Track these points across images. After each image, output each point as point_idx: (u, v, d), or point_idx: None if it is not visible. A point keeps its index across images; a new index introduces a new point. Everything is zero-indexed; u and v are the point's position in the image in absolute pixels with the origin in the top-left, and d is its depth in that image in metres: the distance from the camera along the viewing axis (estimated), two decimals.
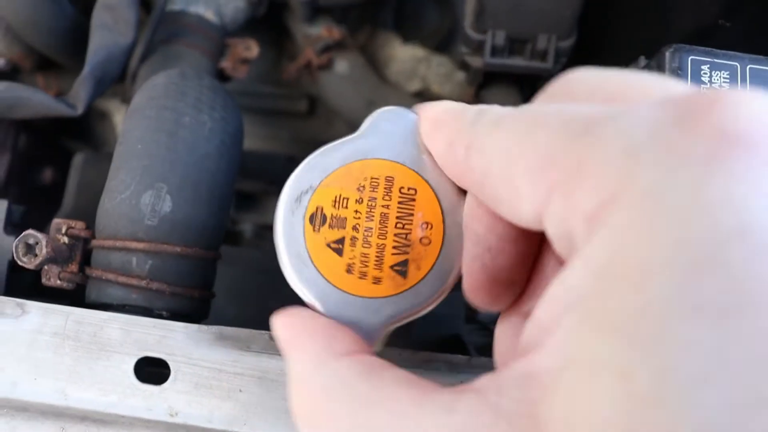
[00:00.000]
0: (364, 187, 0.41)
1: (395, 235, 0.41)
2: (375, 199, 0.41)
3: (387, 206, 0.41)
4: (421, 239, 0.41)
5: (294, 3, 0.98)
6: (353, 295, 0.40)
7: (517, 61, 0.75)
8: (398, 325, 0.42)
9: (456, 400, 0.27)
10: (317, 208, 0.41)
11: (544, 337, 0.27)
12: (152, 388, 0.52)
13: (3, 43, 0.88)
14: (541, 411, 0.25)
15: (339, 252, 0.41)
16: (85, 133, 1.15)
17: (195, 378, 0.52)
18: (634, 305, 0.21)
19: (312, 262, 0.41)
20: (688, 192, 0.22)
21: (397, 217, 0.41)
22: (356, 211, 0.41)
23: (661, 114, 0.24)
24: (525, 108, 0.32)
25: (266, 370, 0.52)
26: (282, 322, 0.38)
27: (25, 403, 0.53)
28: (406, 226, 0.41)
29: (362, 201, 0.41)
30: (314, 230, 0.41)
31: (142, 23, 0.84)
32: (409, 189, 0.41)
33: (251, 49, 0.90)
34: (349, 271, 0.40)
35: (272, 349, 0.53)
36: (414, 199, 0.41)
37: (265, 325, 0.56)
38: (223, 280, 0.87)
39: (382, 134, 0.42)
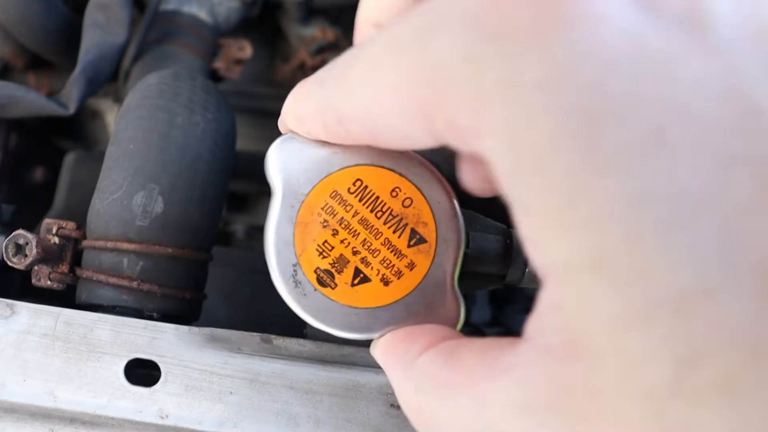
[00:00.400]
0: (328, 217, 0.41)
1: (388, 227, 0.41)
2: (344, 218, 0.41)
3: (357, 212, 0.41)
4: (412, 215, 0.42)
5: (288, 4, 0.98)
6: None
7: None
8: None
9: (515, 356, 0.28)
10: (315, 271, 0.41)
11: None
12: (142, 390, 0.52)
13: None
14: (573, 331, 0.25)
15: (364, 280, 0.41)
16: (77, 132, 1.15)
17: (185, 380, 0.52)
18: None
19: (343, 304, 0.42)
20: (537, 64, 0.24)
21: (376, 211, 0.41)
22: (342, 241, 0.41)
23: None
24: (355, 56, 0.33)
25: (257, 373, 0.52)
26: (378, 347, 0.40)
27: (14, 405, 0.52)
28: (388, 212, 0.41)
29: (340, 227, 0.41)
30: (333, 288, 0.41)
31: (135, 22, 0.84)
32: (356, 181, 0.41)
33: (245, 49, 0.90)
34: (386, 283, 0.41)
35: (263, 351, 0.53)
36: (367, 187, 0.42)
37: (256, 327, 0.56)
38: (215, 281, 0.86)
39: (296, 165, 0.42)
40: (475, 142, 0.26)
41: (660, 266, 0.22)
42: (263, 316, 0.83)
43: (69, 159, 0.90)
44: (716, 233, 0.21)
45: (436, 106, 0.27)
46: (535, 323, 0.27)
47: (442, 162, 0.45)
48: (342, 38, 1.02)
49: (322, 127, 0.37)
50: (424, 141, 0.31)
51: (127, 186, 0.56)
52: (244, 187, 1.12)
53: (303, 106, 0.38)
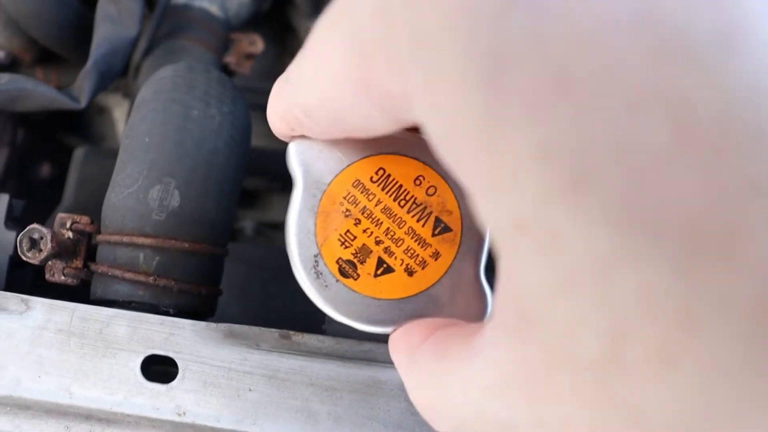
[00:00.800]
0: (350, 206, 0.41)
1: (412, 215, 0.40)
2: (366, 207, 0.40)
3: (380, 201, 0.40)
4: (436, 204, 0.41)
5: None
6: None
7: None
8: None
9: (484, 337, 0.27)
10: (337, 262, 0.40)
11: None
12: (159, 387, 0.51)
13: (3, 35, 0.86)
14: (520, 303, 0.23)
15: (387, 271, 0.40)
16: (84, 127, 1.14)
17: (203, 376, 0.51)
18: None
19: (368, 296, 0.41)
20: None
21: (399, 200, 0.40)
22: (365, 230, 0.40)
23: None
24: (308, 46, 0.32)
25: (276, 369, 0.51)
26: (389, 344, 0.39)
27: (29, 401, 0.51)
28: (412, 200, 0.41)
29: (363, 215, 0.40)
30: (355, 279, 0.40)
31: (146, 16, 0.83)
32: (379, 170, 0.40)
33: (256, 44, 0.89)
34: (410, 273, 0.40)
35: (282, 347, 0.52)
36: (390, 176, 0.41)
37: (268, 323, 0.55)
38: (226, 277, 0.86)
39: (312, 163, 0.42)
40: (409, 109, 0.25)
41: (572, 230, 0.19)
42: (274, 312, 0.82)
43: (78, 154, 0.89)
44: (629, 189, 0.18)
45: (370, 75, 0.26)
46: (497, 299, 0.25)
47: None
48: None
49: (297, 122, 0.36)
50: (383, 122, 0.29)
51: (143, 180, 0.56)
52: (253, 183, 1.12)
53: (278, 105, 0.37)
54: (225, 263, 0.77)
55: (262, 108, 1.17)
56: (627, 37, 0.19)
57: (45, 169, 1.12)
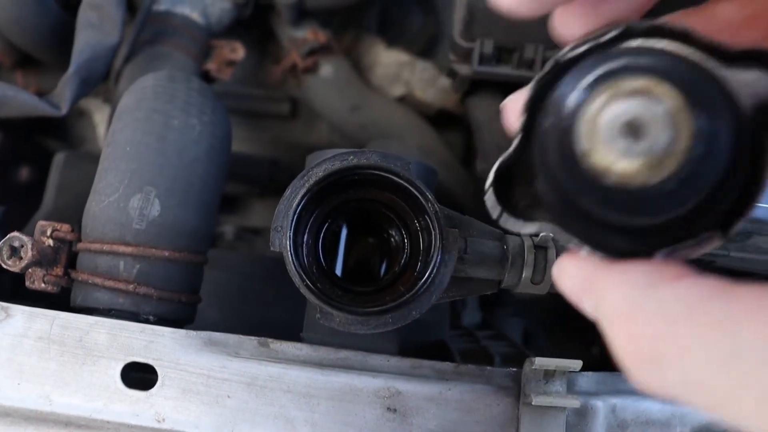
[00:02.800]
0: None
1: None
2: None
3: None
4: None
5: (280, 5, 0.98)
6: None
7: (505, 70, 0.76)
8: None
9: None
10: None
11: None
12: (139, 394, 0.52)
13: None
14: None
15: None
16: (63, 131, 1.14)
17: (182, 383, 0.52)
18: None
19: None
20: None
21: None
22: None
23: None
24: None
25: (255, 377, 0.52)
26: (573, 264, 0.34)
27: (8, 409, 0.52)
28: None
29: None
30: None
31: (127, 23, 0.83)
32: None
33: (237, 51, 0.90)
34: None
35: (260, 355, 0.53)
36: None
37: (246, 329, 0.56)
38: (205, 283, 0.86)
39: None
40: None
41: None
42: (253, 318, 0.83)
43: (58, 159, 0.89)
44: None
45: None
46: None
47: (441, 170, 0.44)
48: (333, 41, 1.03)
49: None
50: None
51: (123, 189, 0.56)
52: (234, 189, 1.12)
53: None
54: (205, 269, 0.78)
55: (242, 113, 1.18)
56: None
57: (24, 173, 1.11)
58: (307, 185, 0.47)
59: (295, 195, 0.47)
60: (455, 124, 1.08)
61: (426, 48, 1.11)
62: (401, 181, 0.48)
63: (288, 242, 0.47)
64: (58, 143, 1.13)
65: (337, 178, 0.48)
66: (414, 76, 1.08)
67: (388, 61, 1.10)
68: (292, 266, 0.47)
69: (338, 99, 1.01)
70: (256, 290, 0.84)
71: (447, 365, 0.53)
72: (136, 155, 0.57)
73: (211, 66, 0.89)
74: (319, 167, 0.48)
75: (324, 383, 0.52)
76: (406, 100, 1.08)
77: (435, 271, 0.47)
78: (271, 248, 0.48)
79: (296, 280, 0.47)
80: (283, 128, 1.18)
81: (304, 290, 0.47)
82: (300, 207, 0.47)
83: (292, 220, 0.47)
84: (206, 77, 0.91)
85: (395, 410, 0.51)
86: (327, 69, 1.01)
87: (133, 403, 0.52)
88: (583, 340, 0.90)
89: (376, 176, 0.48)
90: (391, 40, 1.11)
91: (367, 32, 1.12)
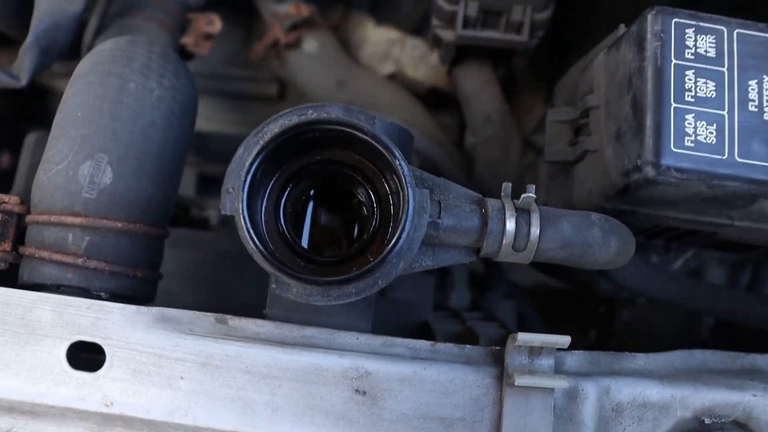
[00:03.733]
0: None
1: None
2: None
3: None
4: None
5: None
6: None
7: (491, 34, 0.71)
8: None
9: None
10: None
11: None
12: (86, 376, 0.48)
13: None
14: None
15: None
16: (45, 115, 1.10)
17: (132, 364, 0.48)
18: None
19: None
20: None
21: None
22: None
23: None
24: None
25: (210, 356, 0.47)
26: None
27: None
28: None
29: None
30: None
31: None
32: None
33: (214, 23, 0.85)
34: None
35: (217, 332, 0.49)
36: None
37: (220, 311, 0.52)
38: (182, 264, 0.82)
39: None
40: None
41: None
42: (232, 300, 0.78)
43: (29, 140, 0.85)
44: None
45: None
46: None
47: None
48: (318, 15, 0.98)
49: None
50: None
51: (73, 156, 0.52)
52: (219, 171, 1.08)
53: None
54: (181, 250, 0.74)
55: (228, 95, 1.14)
56: None
57: (5, 159, 1.08)
58: (261, 142, 0.43)
59: (248, 153, 0.43)
60: (448, 105, 1.03)
61: (418, 25, 1.07)
62: (365, 137, 0.43)
63: (241, 205, 0.42)
64: (40, 129, 1.09)
65: (295, 134, 0.44)
66: (404, 53, 1.04)
67: (378, 39, 1.05)
68: (245, 231, 0.42)
69: (323, 75, 0.96)
70: (235, 271, 0.79)
71: (422, 343, 0.49)
72: (88, 120, 0.53)
73: (187, 40, 0.85)
74: (274, 123, 0.43)
75: (286, 363, 0.47)
76: (396, 78, 1.04)
77: (403, 235, 0.42)
78: (222, 212, 0.43)
79: (249, 246, 0.42)
80: (271, 110, 1.13)
81: (257, 257, 0.42)
82: (254, 167, 0.43)
83: (245, 181, 0.42)
84: (184, 52, 0.86)
85: (364, 392, 0.47)
86: (311, 44, 0.96)
87: (79, 386, 0.47)
88: (581, 324, 0.86)
89: (338, 132, 0.44)
90: (382, 17, 1.07)
91: (356, 9, 1.08)
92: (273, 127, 0.43)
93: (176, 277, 0.83)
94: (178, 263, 0.81)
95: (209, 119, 1.14)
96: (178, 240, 0.85)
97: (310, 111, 0.43)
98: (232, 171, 0.43)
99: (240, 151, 0.43)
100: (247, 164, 0.43)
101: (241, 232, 0.42)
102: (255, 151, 0.43)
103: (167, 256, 0.82)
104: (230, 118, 1.15)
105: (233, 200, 0.42)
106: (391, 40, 1.05)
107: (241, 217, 0.42)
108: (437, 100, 1.03)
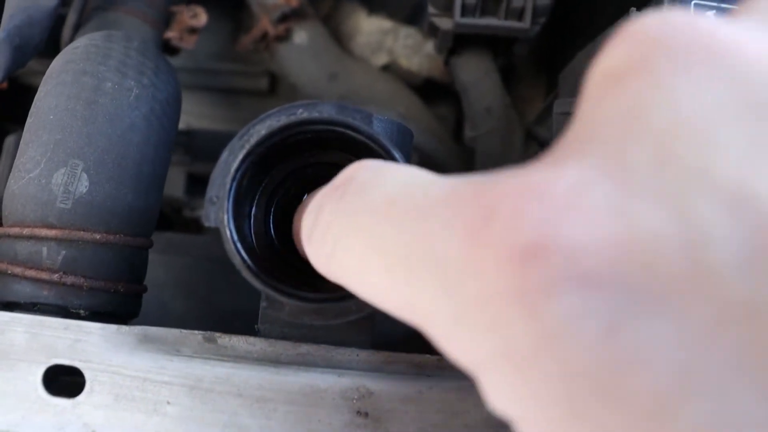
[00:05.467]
0: None
1: None
2: None
3: None
4: None
5: None
6: None
7: (491, 21, 0.67)
8: None
9: None
10: None
11: None
12: (64, 402, 0.44)
13: None
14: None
15: None
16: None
17: (115, 389, 0.44)
18: None
19: None
20: None
21: None
22: None
23: None
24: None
25: (199, 378, 0.44)
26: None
27: None
28: None
29: None
30: None
31: None
32: None
33: (198, 16, 0.81)
34: None
35: (206, 352, 0.45)
36: None
37: (216, 321, 0.48)
38: (172, 271, 0.78)
39: None
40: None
41: None
42: (225, 307, 0.75)
43: (9, 142, 0.81)
44: None
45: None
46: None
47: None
48: (308, 6, 0.94)
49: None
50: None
51: (45, 163, 0.48)
52: (209, 170, 1.04)
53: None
54: (170, 256, 0.70)
55: (218, 90, 1.10)
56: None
57: None
58: (247, 146, 0.39)
59: (233, 158, 0.39)
60: (445, 97, 1.00)
61: (412, 15, 1.03)
62: (362, 138, 0.39)
63: (226, 216, 0.38)
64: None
65: (286, 136, 0.40)
66: (398, 43, 1.00)
67: (370, 29, 1.01)
68: (231, 245, 0.38)
69: (315, 67, 0.92)
70: (227, 275, 0.76)
71: (428, 358, 0.45)
72: (60, 124, 0.49)
73: (172, 34, 0.81)
74: (261, 124, 0.39)
75: (281, 384, 0.43)
76: (390, 70, 1.00)
77: None
78: (205, 223, 0.39)
79: (236, 260, 0.38)
80: (262, 105, 1.10)
81: (246, 273, 0.38)
82: (240, 173, 0.39)
83: (230, 189, 0.39)
84: (169, 47, 0.82)
85: (366, 414, 0.43)
86: (301, 36, 0.92)
87: (57, 414, 0.44)
88: None
89: (332, 133, 0.40)
90: (374, 7, 1.03)
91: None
92: (260, 129, 0.39)
93: (167, 284, 0.80)
94: (168, 270, 0.77)
95: (199, 116, 1.11)
96: (168, 245, 0.81)
97: (301, 110, 0.39)
98: (215, 178, 0.39)
99: (224, 155, 0.39)
100: (233, 170, 0.39)
101: (227, 245, 0.38)
102: (240, 156, 0.39)
103: (156, 263, 0.78)
104: (220, 114, 1.11)
105: (217, 211, 0.39)
106: (384, 30, 1.01)
107: (227, 229, 0.38)
108: (432, 91, 1.00)
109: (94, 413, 0.44)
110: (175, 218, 1.06)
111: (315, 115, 0.39)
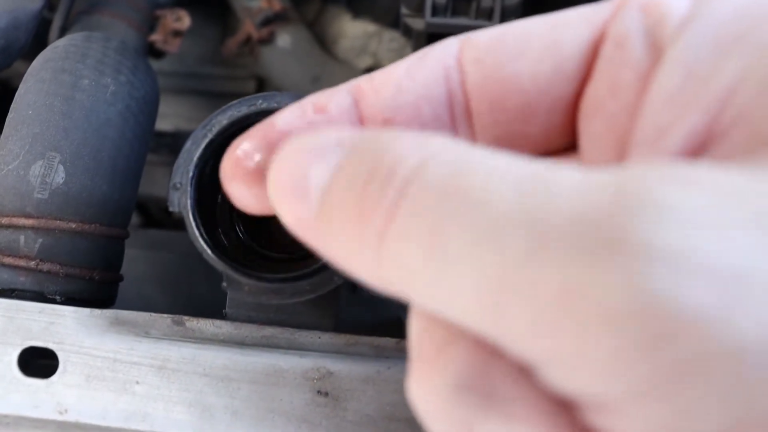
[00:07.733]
0: None
1: None
2: None
3: None
4: None
5: None
6: None
7: (461, 21, 0.69)
8: None
9: None
10: None
11: None
12: (38, 382, 0.46)
13: None
14: None
15: None
16: None
17: (86, 369, 0.46)
18: None
19: None
20: None
21: None
22: None
23: None
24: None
25: (167, 359, 0.46)
26: None
27: None
28: None
29: None
30: None
31: None
32: None
33: (182, 19, 0.83)
34: None
35: (174, 334, 0.47)
36: None
37: (195, 314, 0.50)
38: (154, 267, 0.80)
39: None
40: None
41: None
42: (207, 301, 0.77)
43: None
44: None
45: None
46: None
47: None
48: (291, 9, 0.96)
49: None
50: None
51: (24, 155, 0.50)
52: None
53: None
54: (154, 252, 0.72)
55: (204, 94, 1.11)
56: None
57: None
58: (210, 135, 0.41)
59: (196, 147, 0.41)
60: None
61: (395, 18, 1.06)
62: None
63: (189, 201, 0.40)
64: None
65: (246, 125, 0.42)
66: (381, 46, 1.02)
67: (355, 33, 1.03)
68: (194, 229, 0.40)
69: (298, 70, 0.95)
70: (209, 271, 0.77)
71: (387, 341, 0.47)
72: (39, 118, 0.51)
73: (156, 37, 0.83)
74: (223, 114, 0.41)
75: (245, 365, 0.45)
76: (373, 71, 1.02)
77: None
78: (170, 209, 0.41)
79: (197, 244, 0.41)
80: None
81: (206, 255, 0.41)
82: (203, 161, 0.41)
83: (193, 176, 0.41)
84: (154, 50, 0.85)
85: (327, 393, 0.45)
86: (284, 39, 0.95)
87: (32, 393, 0.46)
88: None
89: None
90: (359, 11, 1.05)
91: (334, 3, 1.06)
92: (221, 119, 0.41)
93: (150, 280, 0.82)
94: (151, 266, 0.79)
95: (188, 119, 1.13)
96: (151, 242, 0.83)
97: (260, 101, 0.41)
98: (179, 166, 0.41)
99: (187, 144, 0.42)
100: (195, 158, 0.41)
101: (189, 229, 0.41)
102: (203, 145, 0.41)
103: (139, 258, 0.80)
104: (205, 117, 1.13)
105: (180, 197, 0.41)
106: (368, 34, 1.03)
107: (189, 214, 0.40)
108: None
109: (67, 392, 0.46)
110: (163, 218, 1.08)
111: (273, 105, 0.41)
